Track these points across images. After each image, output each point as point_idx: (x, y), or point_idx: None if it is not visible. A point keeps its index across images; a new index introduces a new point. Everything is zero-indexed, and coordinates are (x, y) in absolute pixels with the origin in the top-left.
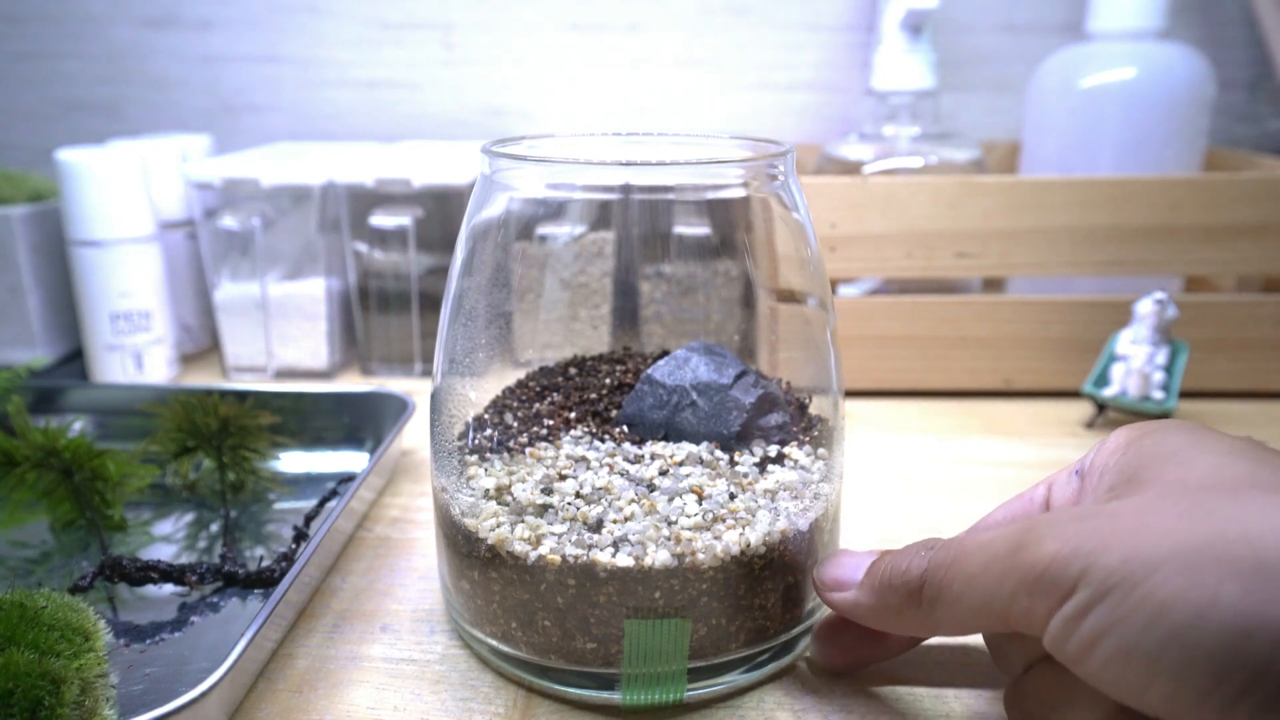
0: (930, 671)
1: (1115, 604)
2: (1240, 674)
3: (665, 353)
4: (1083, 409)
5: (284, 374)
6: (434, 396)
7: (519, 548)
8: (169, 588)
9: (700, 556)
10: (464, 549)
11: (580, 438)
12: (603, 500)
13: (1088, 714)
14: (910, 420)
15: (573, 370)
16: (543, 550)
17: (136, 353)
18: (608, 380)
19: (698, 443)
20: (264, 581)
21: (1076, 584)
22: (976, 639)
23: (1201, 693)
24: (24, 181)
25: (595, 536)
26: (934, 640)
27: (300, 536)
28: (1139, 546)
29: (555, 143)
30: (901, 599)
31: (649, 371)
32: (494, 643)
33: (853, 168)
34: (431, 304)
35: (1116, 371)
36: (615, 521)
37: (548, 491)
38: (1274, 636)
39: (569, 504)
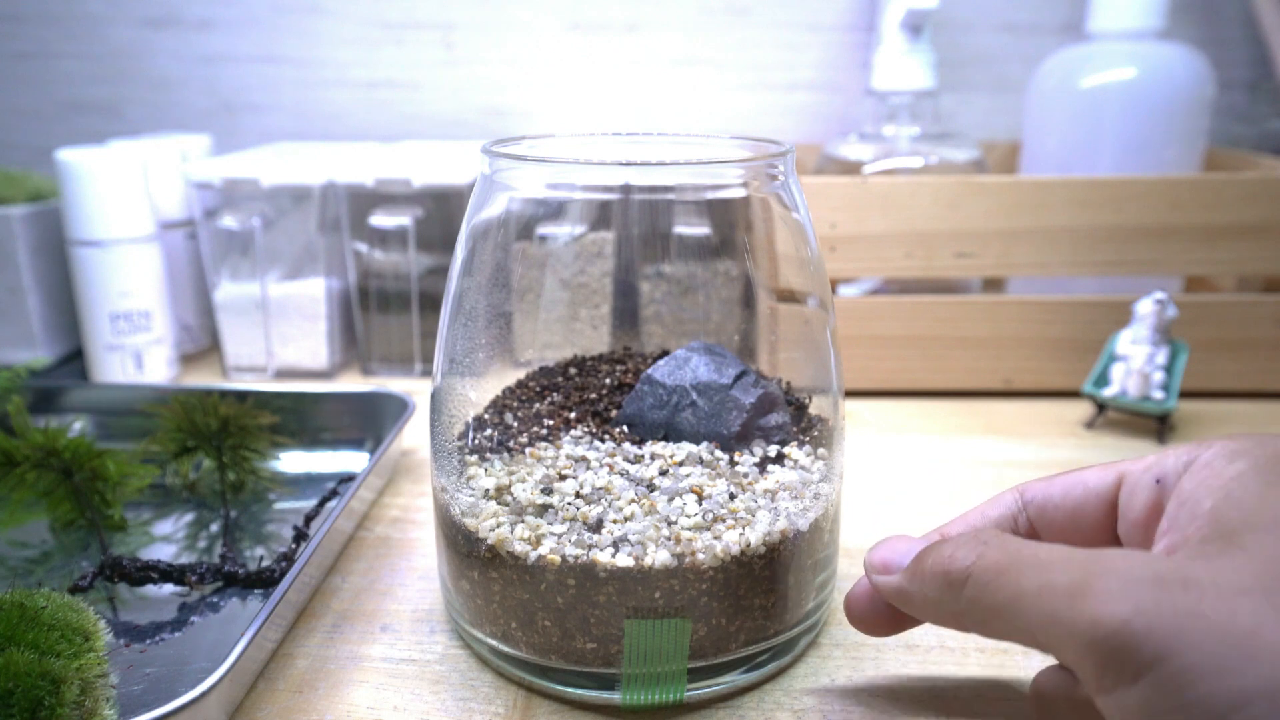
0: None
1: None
2: None
3: (665, 353)
4: (1083, 409)
5: (284, 374)
6: (434, 396)
7: (519, 548)
8: (169, 588)
9: (700, 556)
10: (464, 549)
11: (580, 438)
12: (603, 500)
13: None
14: (910, 420)
15: (573, 370)
16: (543, 550)
17: (136, 353)
18: (608, 380)
19: (698, 443)
20: (264, 581)
21: (1146, 671)
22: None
23: None
24: (24, 181)
25: (595, 536)
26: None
27: (300, 536)
28: (1229, 656)
29: (555, 143)
30: (941, 590)
31: (649, 371)
32: (494, 643)
33: (853, 168)
34: (431, 304)
35: (1116, 371)
36: (615, 521)
37: (548, 491)
38: None
39: (569, 504)
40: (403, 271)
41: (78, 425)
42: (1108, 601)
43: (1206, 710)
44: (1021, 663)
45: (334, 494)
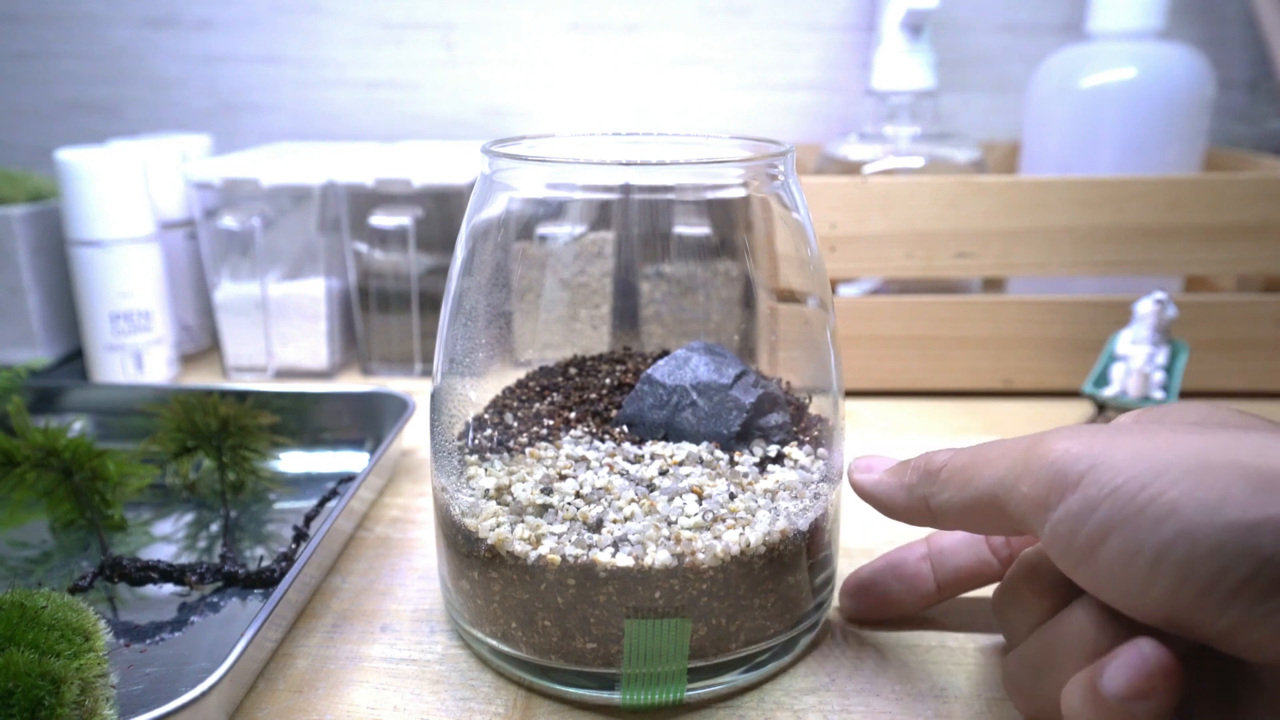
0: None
1: (1123, 501)
2: (1243, 566)
3: (665, 353)
4: (1083, 409)
5: (284, 374)
6: (434, 396)
7: (519, 548)
8: (169, 588)
9: (700, 556)
10: (464, 549)
11: (580, 438)
12: (603, 500)
13: (1069, 674)
14: (910, 420)
15: (573, 370)
16: (543, 550)
17: (136, 353)
18: (608, 380)
19: (698, 443)
20: (264, 581)
21: (1082, 478)
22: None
23: (1203, 587)
24: (24, 181)
25: (595, 536)
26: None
27: (300, 536)
28: (1146, 450)
29: (555, 143)
30: (920, 476)
31: (649, 371)
32: (494, 643)
33: (853, 168)
34: (431, 304)
35: (1116, 371)
36: (615, 521)
37: (548, 491)
38: (1278, 529)
39: (569, 504)
40: (403, 271)
41: (78, 425)
42: (1052, 442)
43: (1136, 486)
44: None
45: (334, 494)
